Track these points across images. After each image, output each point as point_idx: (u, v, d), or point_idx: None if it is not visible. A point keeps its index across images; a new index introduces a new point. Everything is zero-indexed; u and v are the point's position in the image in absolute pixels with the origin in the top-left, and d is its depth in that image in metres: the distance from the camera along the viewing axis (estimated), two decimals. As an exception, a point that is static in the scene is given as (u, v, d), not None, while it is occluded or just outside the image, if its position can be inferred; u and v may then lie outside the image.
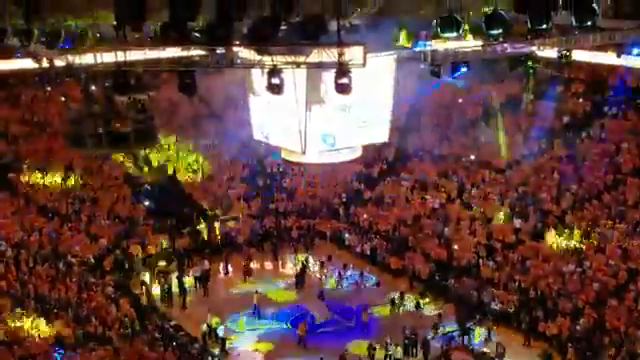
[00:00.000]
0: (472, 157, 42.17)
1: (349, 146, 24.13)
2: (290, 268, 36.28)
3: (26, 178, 39.36)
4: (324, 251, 38.16)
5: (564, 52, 22.53)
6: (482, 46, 20.03)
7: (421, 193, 41.00)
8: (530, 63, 22.92)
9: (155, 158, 42.87)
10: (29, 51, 18.77)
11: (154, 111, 21.60)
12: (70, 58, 19.14)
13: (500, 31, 15.09)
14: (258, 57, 19.12)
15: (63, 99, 42.16)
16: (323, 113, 22.07)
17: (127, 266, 34.79)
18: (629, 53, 23.11)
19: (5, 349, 24.11)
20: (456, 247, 35.11)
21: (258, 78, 22.19)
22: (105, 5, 12.24)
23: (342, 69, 17.35)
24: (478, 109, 44.37)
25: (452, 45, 20.43)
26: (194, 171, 43.73)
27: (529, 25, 13.13)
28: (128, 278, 33.74)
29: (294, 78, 20.55)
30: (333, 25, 17.21)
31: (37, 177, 39.51)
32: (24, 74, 37.96)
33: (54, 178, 39.73)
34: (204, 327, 29.29)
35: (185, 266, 35.54)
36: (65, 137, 32.02)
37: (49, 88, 43.68)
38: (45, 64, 19.43)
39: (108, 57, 19.08)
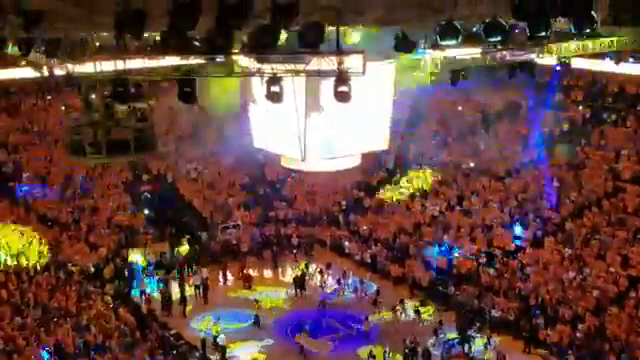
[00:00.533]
0: (472, 164, 42.23)
1: (349, 154, 24.15)
2: (290, 275, 36.16)
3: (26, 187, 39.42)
4: (324, 259, 38.11)
5: (563, 59, 22.61)
6: (481, 54, 20.07)
7: (421, 200, 41.03)
8: (529, 70, 22.86)
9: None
10: (29, 60, 18.80)
11: (154, 120, 21.64)
12: (70, 67, 19.16)
13: (499, 39, 15.10)
14: (258, 65, 19.16)
15: (63, 108, 42.24)
16: (322, 121, 22.10)
17: (127, 275, 34.75)
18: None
19: (5, 358, 24.06)
20: (456, 254, 35.10)
21: (258, 86, 22.24)
22: (105, 14, 12.24)
23: (341, 77, 17.37)
24: (477, 116, 44.43)
25: (451, 53, 20.48)
26: None
27: (528, 33, 13.14)
28: (128, 287, 33.64)
29: (293, 86, 20.58)
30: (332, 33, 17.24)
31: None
32: (24, 83, 38.18)
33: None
34: (202, 335, 29.24)
35: (185, 275, 35.45)
36: (65, 146, 32.12)
37: (49, 97, 43.84)
38: (45, 73, 19.45)
39: (108, 66, 19.10)
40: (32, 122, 44.09)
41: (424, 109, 44.68)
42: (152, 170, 43.31)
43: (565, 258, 32.38)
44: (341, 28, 16.94)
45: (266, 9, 12.57)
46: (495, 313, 30.59)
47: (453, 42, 15.75)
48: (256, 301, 32.59)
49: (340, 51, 16.95)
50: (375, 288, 34.62)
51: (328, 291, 34.67)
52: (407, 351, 27.67)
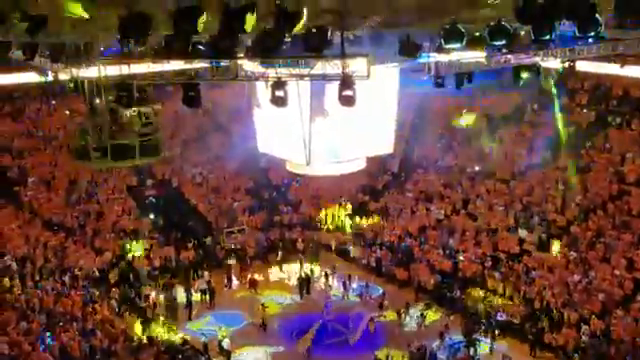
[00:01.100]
0: (477, 168, 42.20)
1: (353, 158, 24.17)
2: (296, 279, 36.10)
3: (31, 192, 39.47)
4: (329, 263, 38.08)
5: (568, 63, 22.56)
6: (486, 57, 20.03)
7: (426, 204, 41.01)
8: (534, 74, 22.79)
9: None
10: (33, 65, 18.85)
11: (159, 124, 21.65)
12: (74, 71, 19.21)
13: (503, 42, 15.10)
14: (262, 70, 19.18)
15: (67, 112, 42.35)
16: (327, 125, 22.13)
17: (132, 279, 34.79)
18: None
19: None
20: (461, 258, 35.05)
21: (262, 90, 22.28)
22: (109, 18, 12.28)
23: (346, 81, 17.36)
24: (482, 120, 44.38)
25: (456, 56, 20.45)
26: None
27: (532, 36, 13.12)
28: (133, 291, 33.65)
29: (298, 90, 20.61)
30: (337, 37, 17.23)
31: (42, 191, 39.62)
32: (28, 87, 38.26)
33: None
34: (204, 339, 29.26)
35: (190, 279, 35.44)
36: (70, 150, 32.17)
37: (53, 102, 43.93)
38: (50, 77, 19.50)
39: (112, 70, 19.14)
40: (37, 127, 44.17)
41: (429, 112, 44.65)
42: (157, 175, 43.35)
43: (570, 261, 32.30)
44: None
45: (270, 13, 12.59)
46: (500, 317, 30.51)
47: (457, 45, 15.76)
48: (262, 305, 32.55)
49: (344, 55, 16.95)
50: (380, 292, 34.58)
51: (333, 295, 34.62)
52: (414, 354, 27.53)
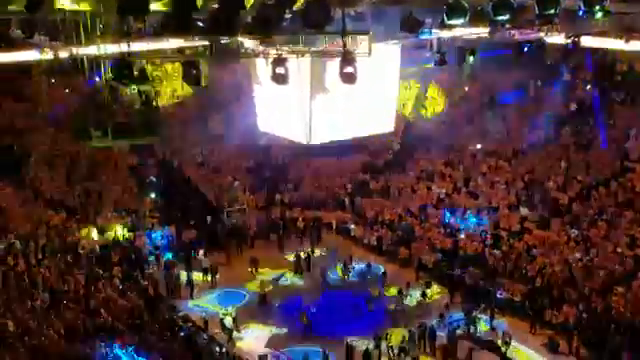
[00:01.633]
0: (478, 146, 42.10)
1: (354, 136, 24.05)
2: (296, 258, 36.08)
3: (33, 171, 39.44)
4: (330, 242, 38.09)
5: (572, 38, 22.37)
6: (489, 33, 19.88)
7: (427, 183, 40.97)
8: (537, 49, 22.64)
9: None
10: (32, 42, 18.70)
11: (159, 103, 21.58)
12: (74, 49, 19.06)
13: (507, 17, 14.94)
14: (262, 47, 19.04)
15: (67, 91, 42.17)
16: (328, 103, 21.99)
17: (134, 258, 34.87)
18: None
19: (16, 340, 24.17)
20: (462, 236, 35.06)
21: (263, 68, 22.13)
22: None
23: (347, 58, 17.24)
24: (484, 97, 44.25)
25: (458, 32, 20.30)
26: None
27: (536, 11, 12.99)
28: (136, 270, 33.73)
29: (298, 68, 20.47)
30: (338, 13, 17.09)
31: (43, 170, 39.60)
32: (28, 66, 38.04)
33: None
34: (204, 316, 29.42)
35: (192, 258, 35.50)
36: (70, 129, 32.10)
37: (53, 80, 43.71)
38: (49, 56, 19.35)
39: (111, 48, 18.99)
40: (37, 106, 43.99)
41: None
42: (157, 154, 43.27)
43: (571, 239, 32.29)
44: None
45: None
46: (501, 295, 30.57)
47: (460, 21, 15.60)
48: (263, 283, 32.62)
49: (346, 31, 16.81)
50: (381, 270, 34.61)
51: (333, 274, 34.68)
52: (414, 333, 27.58)
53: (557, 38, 22.22)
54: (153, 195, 40.44)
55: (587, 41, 22.82)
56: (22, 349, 23.56)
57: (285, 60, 18.15)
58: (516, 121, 42.44)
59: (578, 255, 31.02)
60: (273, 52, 18.48)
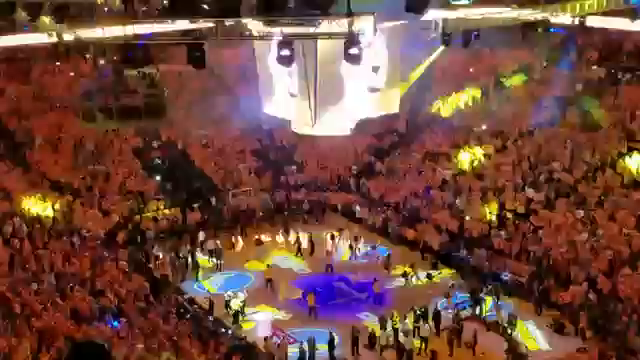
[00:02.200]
0: (484, 127, 41.97)
1: (359, 118, 23.99)
2: (301, 240, 36.10)
3: (38, 154, 39.52)
4: (335, 224, 38.14)
5: (578, 18, 22.22)
6: (494, 13, 19.76)
7: (432, 164, 40.90)
8: (543, 30, 22.54)
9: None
10: (37, 25, 18.68)
11: (164, 85, 21.57)
12: (79, 32, 19.04)
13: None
14: (267, 29, 18.99)
15: (73, 74, 42.16)
16: (333, 85, 21.94)
17: (140, 240, 34.99)
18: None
19: (23, 321, 24.32)
20: (468, 218, 35.05)
21: (267, 50, 22.07)
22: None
23: (352, 39, 17.19)
24: (490, 78, 44.07)
25: (463, 13, 20.18)
26: None
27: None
28: (141, 252, 33.85)
29: (303, 49, 20.41)
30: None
31: (49, 153, 39.68)
32: (33, 49, 37.96)
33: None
34: (210, 297, 29.53)
35: (197, 240, 35.58)
36: (76, 112, 32.11)
37: (58, 63, 43.69)
38: (54, 39, 19.33)
39: (117, 31, 18.95)
40: (42, 88, 44.01)
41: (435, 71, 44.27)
42: (162, 136, 43.26)
43: (577, 220, 32.25)
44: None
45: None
46: (506, 276, 30.61)
47: (466, 1, 15.53)
48: (268, 266, 32.71)
49: (350, 13, 16.75)
50: (386, 252, 34.67)
51: (339, 256, 34.74)
52: (417, 315, 27.63)
53: (563, 18, 22.08)
54: (158, 177, 40.47)
55: (593, 21, 22.68)
56: (29, 331, 23.71)
57: (290, 42, 18.09)
58: (522, 102, 42.25)
59: (584, 236, 30.98)
60: (278, 34, 18.41)
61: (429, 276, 31.82)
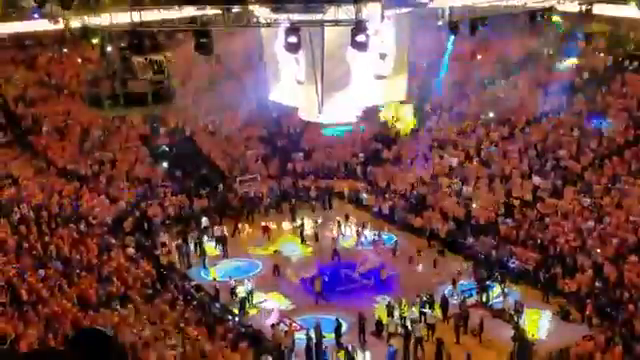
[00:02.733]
0: (491, 114, 41.86)
1: (366, 105, 23.99)
2: (308, 227, 36.14)
3: (45, 140, 39.60)
4: (342, 211, 38.16)
5: (585, 6, 22.12)
6: (501, 1, 19.70)
7: (439, 151, 40.84)
8: (550, 17, 22.41)
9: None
10: (45, 12, 18.70)
11: (171, 72, 21.53)
12: (86, 19, 19.04)
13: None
14: (274, 16, 18.95)
15: (80, 60, 42.16)
16: (340, 72, 21.92)
17: (147, 227, 35.07)
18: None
19: (30, 308, 24.45)
20: (474, 205, 35.02)
21: (274, 37, 22.04)
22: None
23: (359, 26, 17.16)
24: (497, 66, 43.91)
25: (470, 0, 20.12)
26: None
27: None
28: (148, 239, 33.95)
29: (310, 36, 20.37)
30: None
31: (56, 139, 39.76)
32: (40, 36, 37.98)
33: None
34: (217, 285, 29.61)
35: (203, 227, 35.62)
36: (83, 98, 32.13)
37: (65, 50, 43.69)
38: (61, 25, 19.35)
39: (123, 17, 18.95)
40: (49, 75, 44.05)
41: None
42: (170, 123, 43.27)
43: (584, 207, 32.20)
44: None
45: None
46: (513, 263, 30.62)
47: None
48: (275, 252, 32.78)
49: (357, 0, 16.72)
50: (393, 239, 34.70)
51: (346, 242, 34.79)
52: (424, 301, 27.67)
53: (569, 5, 21.99)
54: (165, 164, 40.52)
55: (600, 8, 22.57)
56: (36, 317, 23.84)
57: (297, 29, 18.06)
58: (529, 89, 42.10)
59: (591, 224, 30.95)
60: (285, 21, 18.38)
61: (435, 263, 31.72)
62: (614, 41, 40.69)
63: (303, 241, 35.20)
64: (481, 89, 43.99)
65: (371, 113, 36.87)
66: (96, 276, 28.10)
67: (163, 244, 33.52)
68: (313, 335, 25.46)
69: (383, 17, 17.51)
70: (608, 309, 26.51)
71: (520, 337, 25.06)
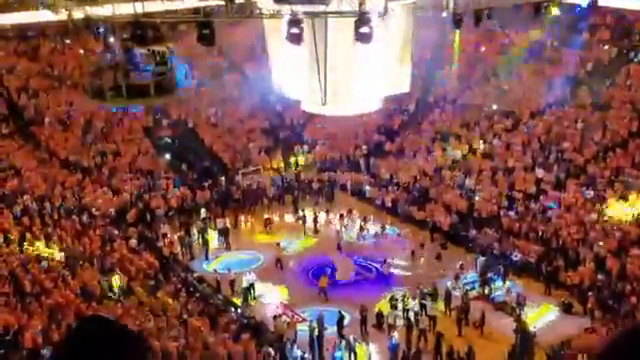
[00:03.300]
0: (494, 107, 41.74)
1: (369, 97, 23.90)
2: (311, 220, 36.09)
3: (48, 131, 39.59)
4: (345, 204, 38.12)
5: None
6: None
7: (442, 144, 40.75)
8: (554, 9, 22.30)
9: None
10: (47, 3, 18.67)
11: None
12: (88, 10, 19.00)
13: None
14: (277, 7, 18.89)
15: (82, 52, 42.10)
16: (343, 64, 21.83)
17: (149, 219, 35.08)
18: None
19: (33, 299, 24.51)
20: (477, 198, 34.97)
21: (277, 29, 21.96)
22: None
23: (363, 18, 17.10)
24: (501, 58, 43.77)
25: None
26: None
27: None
28: (151, 231, 33.96)
29: (313, 28, 20.30)
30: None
31: (58, 130, 39.75)
32: (43, 26, 37.88)
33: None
34: (218, 277, 29.65)
35: (206, 219, 35.63)
36: (85, 90, 32.09)
37: (68, 41, 43.62)
38: (63, 16, 19.31)
39: (126, 8, 18.91)
40: (52, 66, 43.99)
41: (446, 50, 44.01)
42: (172, 115, 43.22)
43: (587, 200, 32.15)
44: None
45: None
46: (515, 256, 30.59)
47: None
48: (278, 245, 32.79)
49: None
50: (396, 232, 34.65)
51: (348, 235, 34.76)
52: (424, 293, 27.65)
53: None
54: (168, 156, 40.50)
55: (605, 0, 22.48)
56: (39, 309, 23.89)
57: (300, 20, 18.00)
58: (532, 81, 41.97)
59: (594, 217, 30.90)
60: (288, 12, 18.32)
61: (438, 256, 31.71)
62: (619, 33, 40.57)
63: (306, 234, 35.18)
64: (485, 81, 43.84)
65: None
66: (99, 267, 28.15)
67: (165, 235, 33.51)
68: (315, 327, 25.50)
69: (387, 9, 17.42)
70: (610, 302, 26.49)
71: (522, 330, 25.08)
